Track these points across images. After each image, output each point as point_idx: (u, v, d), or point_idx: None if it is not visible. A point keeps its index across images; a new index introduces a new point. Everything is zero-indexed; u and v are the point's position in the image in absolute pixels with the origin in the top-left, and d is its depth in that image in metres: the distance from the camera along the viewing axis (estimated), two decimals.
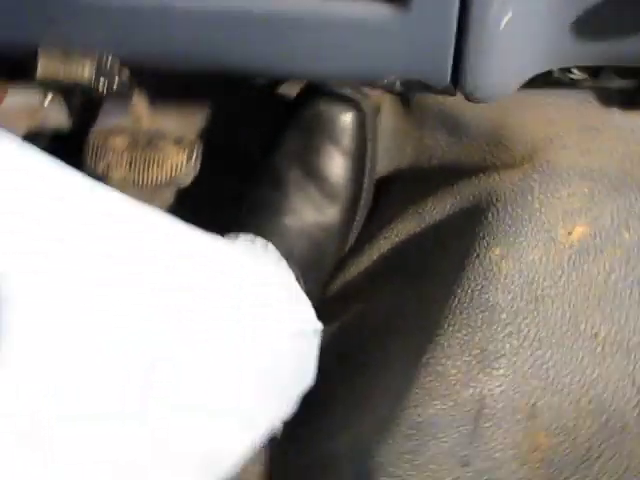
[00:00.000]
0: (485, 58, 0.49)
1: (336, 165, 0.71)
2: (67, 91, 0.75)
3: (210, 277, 0.48)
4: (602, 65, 0.59)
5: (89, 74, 0.50)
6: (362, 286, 0.74)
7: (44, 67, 0.49)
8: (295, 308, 0.61)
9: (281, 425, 0.59)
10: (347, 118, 0.71)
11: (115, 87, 0.52)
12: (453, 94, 0.52)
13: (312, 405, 0.70)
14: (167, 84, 0.79)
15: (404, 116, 0.78)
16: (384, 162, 0.79)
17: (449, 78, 0.50)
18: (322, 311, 0.76)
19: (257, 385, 0.52)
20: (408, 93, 0.54)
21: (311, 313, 0.64)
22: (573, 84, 0.63)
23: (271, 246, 0.65)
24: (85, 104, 0.78)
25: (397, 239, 0.74)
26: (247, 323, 0.50)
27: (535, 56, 0.51)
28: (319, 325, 0.64)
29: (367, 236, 0.77)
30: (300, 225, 0.69)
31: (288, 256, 0.66)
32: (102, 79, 0.51)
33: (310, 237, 0.69)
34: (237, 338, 0.48)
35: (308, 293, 0.66)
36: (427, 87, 0.51)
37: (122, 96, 0.68)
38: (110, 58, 0.51)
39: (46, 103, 0.81)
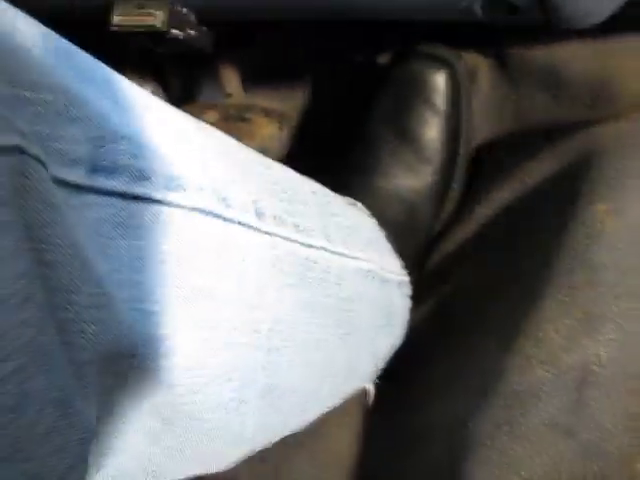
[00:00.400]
0: None
1: (429, 127, 0.68)
2: (161, 70, 0.76)
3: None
4: None
5: (162, 23, 0.50)
6: (462, 256, 0.71)
7: (119, 16, 0.49)
8: (380, 255, 0.58)
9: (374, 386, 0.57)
10: (439, 78, 0.68)
11: (190, 39, 0.51)
12: (541, 20, 0.48)
13: (409, 375, 0.67)
14: (258, 57, 0.79)
15: (501, 79, 0.74)
16: (482, 128, 0.75)
17: None
18: (422, 283, 0.73)
19: (346, 324, 0.49)
20: (490, 20, 0.49)
21: (396, 265, 0.61)
22: None
23: (362, 206, 0.63)
24: (180, 80, 0.78)
25: (498, 205, 0.69)
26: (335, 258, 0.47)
27: None
28: (405, 279, 0.61)
29: (467, 206, 0.73)
30: (393, 188, 0.66)
31: (379, 218, 0.63)
32: (174, 29, 0.51)
33: (403, 200, 0.67)
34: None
35: (401, 256, 0.63)
36: (510, 9, 0.46)
37: (209, 65, 0.68)
38: (184, 9, 0.51)
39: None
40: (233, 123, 0.71)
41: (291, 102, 0.80)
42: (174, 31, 0.50)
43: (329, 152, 0.72)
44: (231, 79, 0.74)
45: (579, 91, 0.66)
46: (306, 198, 0.46)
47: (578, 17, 0.48)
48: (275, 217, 0.39)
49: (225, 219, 0.36)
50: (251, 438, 0.43)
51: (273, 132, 0.72)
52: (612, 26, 0.63)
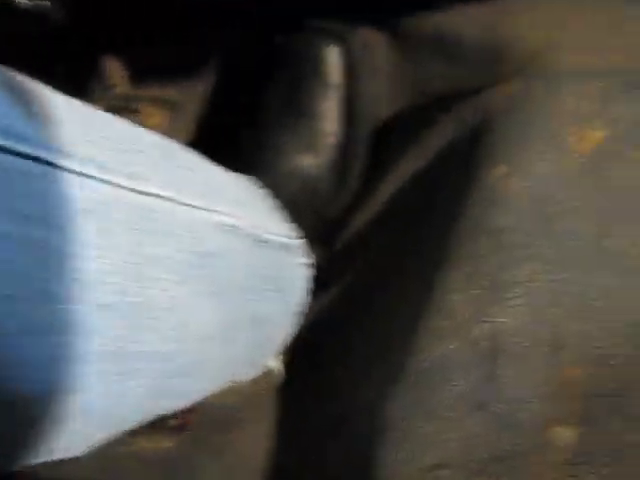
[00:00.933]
0: None
1: (325, 102, 0.65)
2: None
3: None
4: None
5: None
6: (369, 234, 0.68)
7: None
8: (253, 214, 0.54)
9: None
10: (333, 53, 0.66)
11: (40, 9, 0.47)
12: None
13: (328, 361, 0.64)
14: (143, 46, 0.75)
15: (397, 51, 0.71)
16: (382, 106, 0.72)
17: None
18: (333, 263, 0.70)
19: (209, 283, 0.45)
20: None
21: (282, 228, 0.57)
22: None
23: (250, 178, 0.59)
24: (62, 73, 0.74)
25: (401, 181, 0.67)
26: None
27: None
28: (295, 242, 0.58)
29: (371, 184, 0.70)
30: (292, 165, 0.64)
31: (279, 195, 0.60)
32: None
33: (302, 177, 0.64)
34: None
35: (302, 234, 0.60)
36: None
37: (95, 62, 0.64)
38: None
39: None
40: (118, 114, 0.67)
41: (183, 89, 0.76)
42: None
43: (226, 136, 0.68)
44: (114, 70, 0.70)
45: (473, 55, 0.64)
46: (146, 149, 0.42)
47: None
48: (107, 166, 0.36)
49: (63, 169, 0.33)
50: (101, 411, 0.38)
51: (162, 121, 0.68)
52: None
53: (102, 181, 0.36)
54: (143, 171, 0.40)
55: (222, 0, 0.69)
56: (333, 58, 0.66)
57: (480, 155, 0.57)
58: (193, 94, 0.76)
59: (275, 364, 0.63)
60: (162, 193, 0.40)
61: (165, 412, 0.46)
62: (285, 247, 0.55)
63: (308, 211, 0.64)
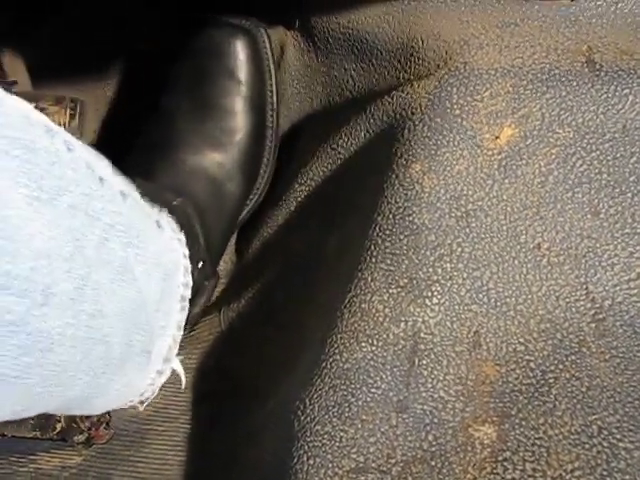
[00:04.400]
0: None
1: (231, 97, 0.63)
2: None
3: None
4: None
5: None
6: (281, 238, 0.66)
7: None
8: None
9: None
10: (240, 47, 0.64)
11: None
12: None
13: (243, 371, 0.62)
14: (45, 43, 0.72)
15: (309, 52, 0.70)
16: (295, 106, 0.71)
17: None
18: (245, 272, 0.68)
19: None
20: None
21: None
22: None
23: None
24: None
25: (313, 182, 0.66)
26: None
27: None
28: (132, 191, 0.49)
29: (282, 185, 0.69)
30: (197, 161, 0.61)
31: (183, 193, 0.57)
32: None
33: (208, 174, 0.61)
34: None
35: (208, 234, 0.58)
36: None
37: None
38: None
39: None
40: None
41: (87, 88, 0.73)
42: None
43: (131, 132, 0.66)
44: (15, 65, 0.66)
45: (386, 56, 0.63)
46: None
47: None
48: None
49: None
50: None
51: (65, 120, 0.65)
52: None
53: None
54: None
55: None
56: (240, 53, 0.65)
57: (395, 154, 0.57)
58: (98, 92, 0.73)
59: (179, 367, 0.60)
60: None
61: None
62: (127, 197, 0.47)
63: (214, 209, 0.62)
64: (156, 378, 0.55)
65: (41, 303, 0.36)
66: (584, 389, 0.48)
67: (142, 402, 0.55)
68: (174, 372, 0.57)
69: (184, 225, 0.56)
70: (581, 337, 0.50)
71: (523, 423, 0.47)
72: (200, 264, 0.59)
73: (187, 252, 0.55)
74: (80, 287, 0.40)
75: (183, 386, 0.58)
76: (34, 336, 0.37)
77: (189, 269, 0.56)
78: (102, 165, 0.45)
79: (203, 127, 0.62)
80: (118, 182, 0.46)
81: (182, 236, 0.56)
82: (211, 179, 0.62)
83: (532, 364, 0.50)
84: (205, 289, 0.61)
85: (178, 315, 0.54)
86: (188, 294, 0.55)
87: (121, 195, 0.46)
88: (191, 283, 0.56)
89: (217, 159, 0.62)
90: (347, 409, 0.50)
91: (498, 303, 0.52)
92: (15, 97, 0.38)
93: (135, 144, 0.64)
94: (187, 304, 0.55)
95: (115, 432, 0.60)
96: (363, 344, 0.52)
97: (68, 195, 0.39)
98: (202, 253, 0.59)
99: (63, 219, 0.39)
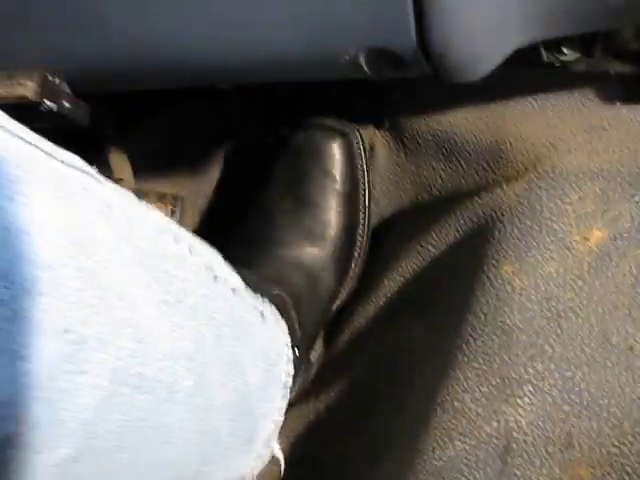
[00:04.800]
0: (448, 17, 0.44)
1: (326, 194, 0.67)
2: None
3: None
4: (590, 38, 0.54)
5: (34, 93, 0.47)
6: (371, 332, 0.68)
7: None
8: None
9: None
10: (335, 146, 0.68)
11: (65, 111, 0.49)
12: (426, 70, 0.47)
13: (327, 464, 0.63)
14: (147, 141, 0.77)
15: (398, 152, 0.73)
16: (384, 202, 0.74)
17: (415, 40, 0.44)
18: (333, 363, 0.70)
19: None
20: (379, 75, 0.48)
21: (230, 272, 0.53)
22: (566, 68, 0.58)
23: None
24: None
25: (402, 278, 0.68)
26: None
27: (507, 22, 0.45)
28: (240, 285, 0.53)
29: (371, 280, 0.71)
30: (293, 255, 0.65)
31: (281, 283, 0.61)
32: (48, 101, 0.48)
33: (304, 268, 0.65)
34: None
35: (303, 322, 0.61)
36: (396, 62, 0.45)
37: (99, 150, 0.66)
38: (57, 80, 0.48)
39: None
40: None
41: (188, 184, 0.78)
42: (47, 102, 0.48)
43: (230, 227, 0.70)
44: (121, 164, 0.71)
45: (474, 157, 0.66)
46: None
47: (465, 66, 0.47)
48: None
49: None
50: None
51: (167, 216, 0.70)
52: (500, 89, 0.64)
53: None
54: None
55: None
56: (335, 152, 0.69)
57: (486, 254, 0.59)
58: (198, 189, 0.78)
59: (279, 452, 0.62)
60: None
61: None
62: (237, 292, 0.52)
63: (310, 300, 0.65)
64: (257, 462, 0.57)
65: (165, 399, 0.39)
66: None
67: None
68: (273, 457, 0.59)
69: (283, 313, 0.60)
70: None
71: None
72: (297, 351, 0.62)
73: (289, 341, 0.58)
74: (197, 383, 0.43)
75: (282, 471, 0.60)
76: (157, 430, 0.40)
77: (291, 357, 0.58)
78: (217, 263, 0.48)
79: (301, 224, 0.66)
80: (230, 279, 0.50)
81: (284, 324, 0.58)
82: (307, 271, 0.65)
83: (628, 468, 0.50)
84: (300, 376, 0.64)
85: (280, 402, 0.57)
86: (290, 381, 0.58)
87: (232, 291, 0.49)
88: (292, 371, 0.58)
89: (313, 253, 0.66)
90: None
91: (591, 404, 0.52)
92: (153, 210, 0.42)
93: (233, 239, 0.68)
94: (288, 391, 0.58)
95: None
96: (456, 442, 0.53)
97: (191, 297, 0.43)
98: (297, 340, 0.62)
99: (186, 320, 0.42)
